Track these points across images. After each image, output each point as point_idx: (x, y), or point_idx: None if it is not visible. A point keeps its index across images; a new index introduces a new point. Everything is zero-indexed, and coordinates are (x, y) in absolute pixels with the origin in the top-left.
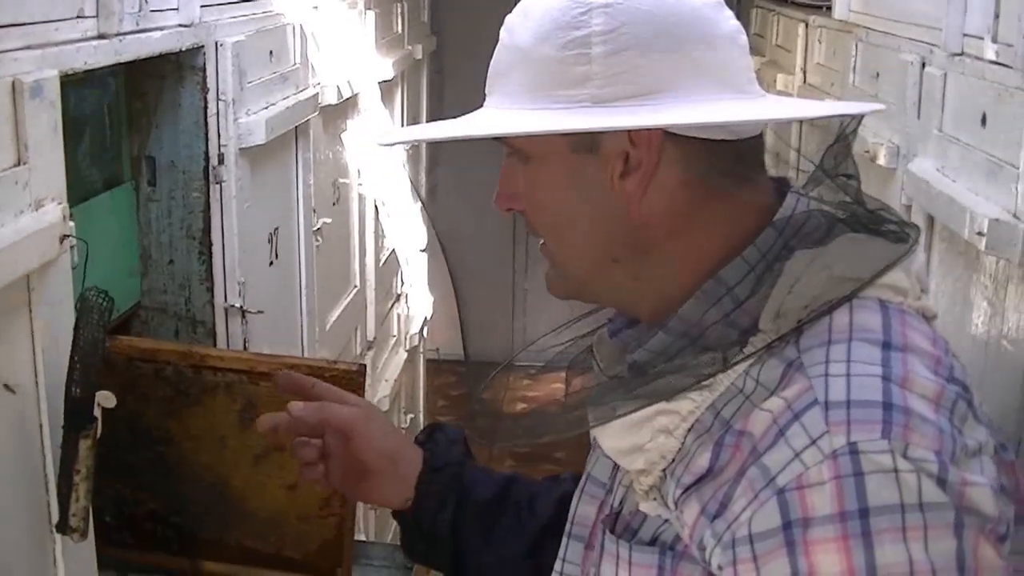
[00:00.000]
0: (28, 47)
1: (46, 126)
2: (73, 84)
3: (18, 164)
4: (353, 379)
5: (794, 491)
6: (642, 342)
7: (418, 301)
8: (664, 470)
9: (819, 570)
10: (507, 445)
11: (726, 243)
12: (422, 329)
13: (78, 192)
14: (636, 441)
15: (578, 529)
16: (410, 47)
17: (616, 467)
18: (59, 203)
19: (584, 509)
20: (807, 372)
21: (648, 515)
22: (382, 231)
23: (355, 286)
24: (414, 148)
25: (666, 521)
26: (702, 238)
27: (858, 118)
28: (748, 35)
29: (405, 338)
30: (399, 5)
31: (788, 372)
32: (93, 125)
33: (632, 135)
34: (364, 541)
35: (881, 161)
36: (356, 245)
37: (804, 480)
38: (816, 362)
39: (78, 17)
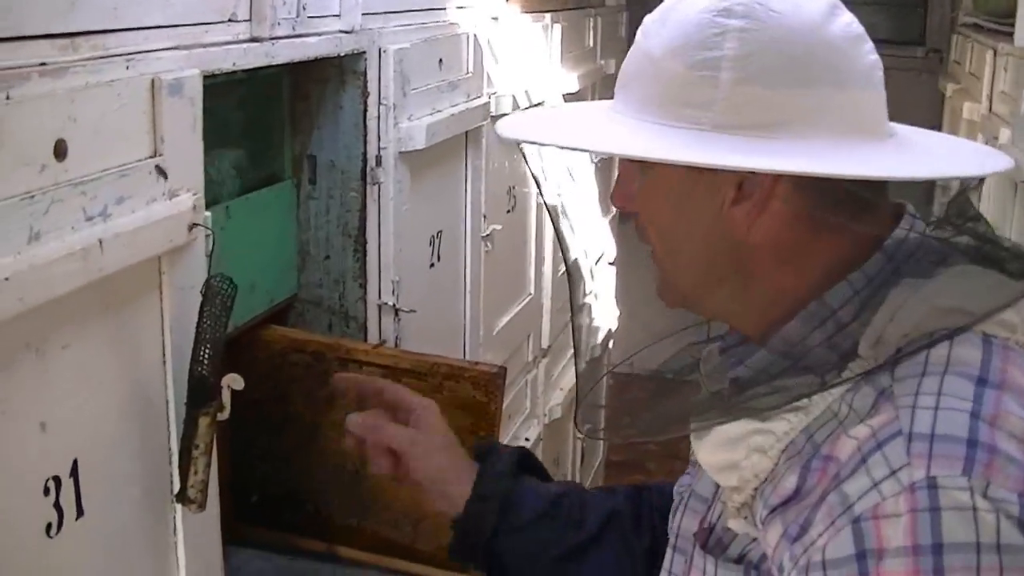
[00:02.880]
0: (175, 47)
1: (184, 122)
2: (240, 84)
3: (153, 155)
4: (492, 381)
5: (869, 521)
6: (744, 359)
7: (602, 313)
8: (756, 489)
9: None
10: (613, 441)
11: (836, 268)
12: (606, 341)
13: (240, 186)
14: (732, 458)
15: (682, 543)
16: (602, 61)
17: (718, 484)
18: (193, 194)
19: (687, 523)
20: (896, 402)
21: (738, 533)
22: (564, 240)
23: (529, 293)
24: (604, 162)
25: (754, 540)
26: (810, 265)
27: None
28: (947, 62)
29: (586, 349)
30: (592, 20)
31: (879, 400)
32: (259, 123)
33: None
34: None
35: None
36: (532, 253)
37: (880, 511)
38: (906, 392)
39: (229, 21)
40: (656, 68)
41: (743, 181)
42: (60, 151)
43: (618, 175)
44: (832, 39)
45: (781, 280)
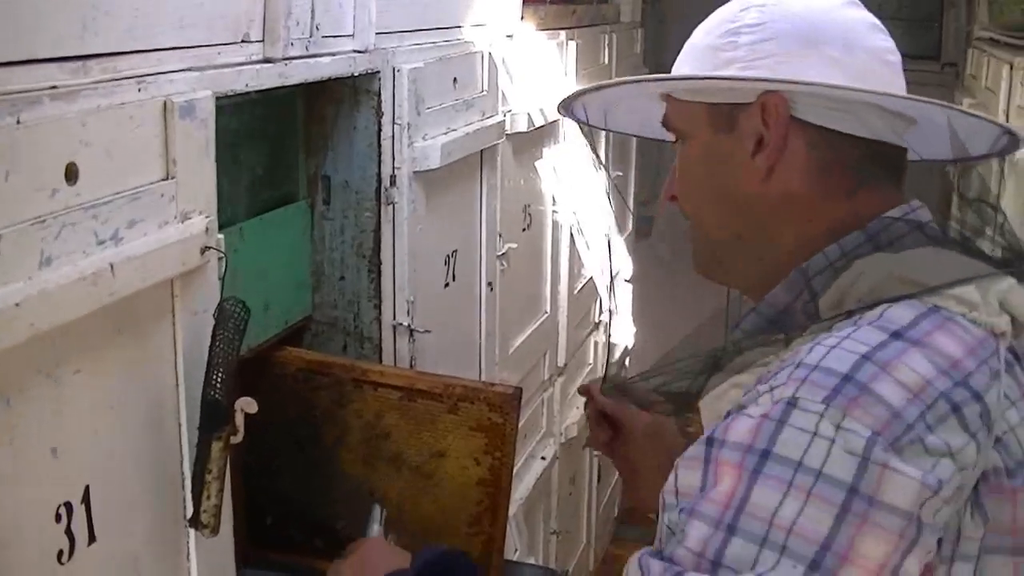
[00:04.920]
0: (187, 69)
1: (196, 144)
2: (254, 105)
3: (166, 178)
4: (508, 402)
5: (732, 416)
6: (739, 323)
7: (618, 330)
8: None
9: (716, 487)
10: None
11: (824, 238)
12: (622, 358)
13: (254, 206)
14: (719, 410)
15: None
16: (618, 78)
17: None
18: (206, 216)
19: None
20: (815, 340)
21: None
22: (578, 259)
23: (545, 312)
24: (621, 180)
25: None
26: (812, 229)
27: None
28: (963, 76)
29: (601, 367)
30: (607, 36)
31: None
32: (274, 144)
33: (764, 117)
34: (514, 561)
35: None
36: (548, 271)
37: (743, 411)
38: (827, 335)
39: (243, 42)
40: (695, 48)
41: (763, 134)
42: (71, 175)
43: (671, 175)
44: (845, 19)
45: (787, 242)
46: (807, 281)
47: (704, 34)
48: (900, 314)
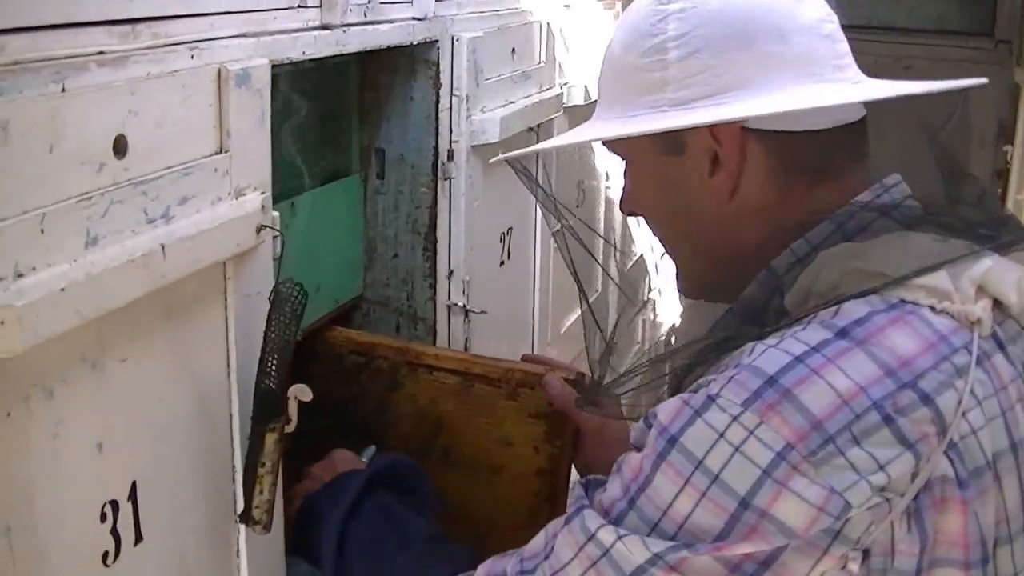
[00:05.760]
0: (242, 35)
1: (251, 115)
2: (307, 74)
3: (220, 152)
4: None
5: (671, 399)
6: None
7: (667, 309)
8: None
9: (636, 455)
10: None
11: (799, 233)
12: (669, 336)
13: (305, 180)
14: None
15: None
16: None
17: None
18: (261, 193)
19: None
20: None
21: None
22: (630, 236)
23: (596, 290)
24: None
25: None
26: (782, 228)
27: (960, 99)
28: (1020, 54)
29: (650, 345)
30: None
31: None
32: (326, 115)
33: (715, 134)
34: None
35: None
36: (600, 249)
37: (677, 398)
38: (776, 334)
39: (299, 7)
40: (614, 67)
41: (717, 152)
42: (120, 148)
43: (622, 185)
44: (770, 2)
45: (760, 244)
46: (777, 279)
47: (623, 50)
48: (855, 310)
